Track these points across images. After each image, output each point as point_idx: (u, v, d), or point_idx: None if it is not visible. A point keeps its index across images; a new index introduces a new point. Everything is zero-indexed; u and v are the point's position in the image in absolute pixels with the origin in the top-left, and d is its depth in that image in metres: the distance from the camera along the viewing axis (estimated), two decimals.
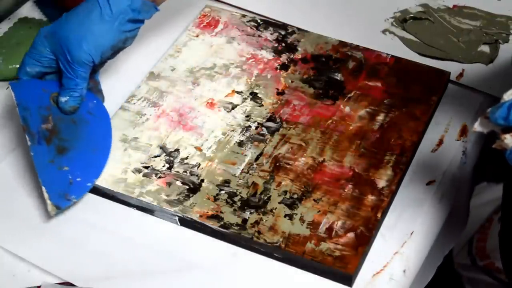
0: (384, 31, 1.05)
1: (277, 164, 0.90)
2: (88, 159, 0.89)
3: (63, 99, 0.89)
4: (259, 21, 1.06)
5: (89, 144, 0.90)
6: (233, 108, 0.96)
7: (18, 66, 1.02)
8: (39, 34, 0.89)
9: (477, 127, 0.71)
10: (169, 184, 0.88)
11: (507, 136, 0.69)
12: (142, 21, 0.91)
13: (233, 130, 0.93)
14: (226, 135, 0.93)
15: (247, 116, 0.95)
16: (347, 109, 0.94)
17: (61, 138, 0.88)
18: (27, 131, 0.87)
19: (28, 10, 1.11)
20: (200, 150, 0.92)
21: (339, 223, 0.84)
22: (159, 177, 0.89)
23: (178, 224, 0.87)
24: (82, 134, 0.89)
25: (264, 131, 0.93)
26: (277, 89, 0.97)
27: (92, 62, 0.88)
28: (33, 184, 0.91)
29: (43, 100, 0.89)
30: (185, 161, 0.90)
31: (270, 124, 0.94)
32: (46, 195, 0.85)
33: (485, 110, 0.95)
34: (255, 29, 1.05)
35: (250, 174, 0.89)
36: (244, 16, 1.07)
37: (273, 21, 1.06)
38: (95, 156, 0.89)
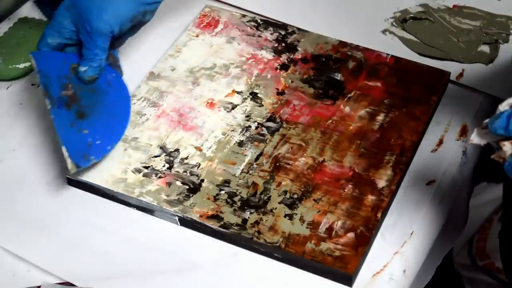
0: (384, 31, 1.05)
1: (277, 164, 0.90)
2: (107, 125, 0.91)
3: (82, 68, 0.91)
4: (259, 21, 1.06)
5: (108, 111, 0.91)
6: (233, 108, 0.96)
7: (18, 66, 1.03)
8: (61, 6, 0.91)
9: (474, 138, 0.71)
10: (169, 184, 0.88)
11: (506, 143, 0.69)
12: None
13: (233, 130, 0.93)
14: (226, 135, 0.93)
15: (247, 116, 0.95)
16: (347, 109, 0.94)
17: (80, 105, 0.90)
18: (48, 95, 0.89)
19: (28, 10, 1.11)
20: (200, 150, 0.92)
21: (339, 223, 0.84)
22: (159, 177, 0.89)
23: (178, 224, 0.87)
24: (101, 102, 0.91)
25: (264, 131, 0.93)
26: (277, 89, 0.97)
27: (111, 32, 0.89)
28: (33, 183, 0.92)
29: (63, 70, 0.91)
30: (185, 161, 0.90)
31: (270, 124, 0.94)
32: (66, 153, 0.87)
33: (485, 110, 0.96)
34: (255, 29, 1.05)
35: (250, 174, 0.89)
36: (244, 16, 1.07)
37: (273, 21, 1.06)
38: (114, 122, 0.92)
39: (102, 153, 0.90)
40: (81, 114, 0.90)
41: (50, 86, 0.90)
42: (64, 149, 0.87)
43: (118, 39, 0.93)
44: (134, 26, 0.93)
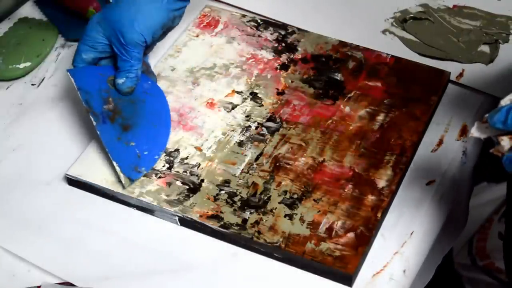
0: (384, 31, 1.05)
1: (277, 164, 0.90)
2: (151, 134, 0.92)
3: (120, 80, 0.92)
4: (259, 21, 1.06)
5: (149, 120, 0.93)
6: (233, 108, 0.96)
7: (18, 66, 1.03)
8: (91, 20, 0.92)
9: (474, 132, 0.72)
10: (169, 184, 0.88)
11: (504, 138, 0.69)
12: (188, 0, 0.94)
13: (233, 130, 0.93)
14: (226, 135, 0.93)
15: (247, 116, 0.95)
16: (347, 109, 0.94)
17: (123, 117, 0.91)
18: (91, 112, 0.90)
19: (28, 10, 1.11)
20: (200, 150, 0.92)
21: (339, 223, 0.84)
22: (159, 177, 0.89)
23: (178, 224, 0.87)
24: (141, 111, 0.93)
25: (264, 131, 0.93)
26: (277, 89, 0.97)
27: (145, 42, 0.91)
28: (33, 183, 0.92)
29: (101, 83, 0.92)
30: (185, 161, 0.90)
31: (270, 124, 0.94)
32: (118, 168, 0.88)
33: (485, 110, 0.96)
34: (255, 29, 1.05)
35: (250, 174, 0.89)
36: (244, 16, 1.07)
37: (273, 21, 1.06)
38: (158, 130, 0.92)
39: (151, 163, 0.90)
40: (125, 126, 0.90)
41: (92, 102, 0.90)
42: (115, 164, 0.88)
43: (149, 46, 0.94)
44: (164, 32, 0.94)
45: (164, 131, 0.93)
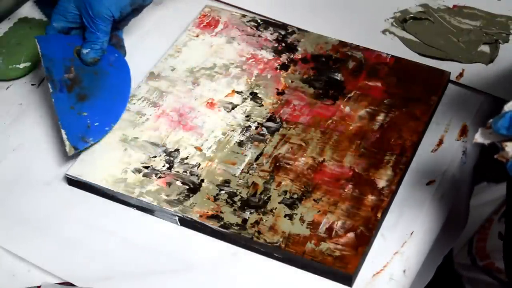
0: (384, 31, 1.05)
1: (277, 164, 0.90)
2: (107, 106, 0.94)
3: (84, 51, 0.95)
4: (259, 21, 1.06)
5: (109, 92, 0.95)
6: (233, 108, 0.96)
7: (18, 66, 1.03)
8: None
9: (478, 138, 0.71)
10: (169, 184, 0.88)
11: (509, 144, 0.69)
12: None
13: (233, 130, 0.93)
14: (226, 135, 0.93)
15: (247, 116, 0.95)
16: (347, 109, 0.94)
17: (82, 87, 0.93)
18: (50, 79, 0.92)
19: (28, 10, 1.11)
20: (200, 150, 0.92)
21: (339, 223, 0.84)
22: (159, 177, 0.89)
23: (178, 224, 0.87)
24: (102, 83, 0.95)
25: (264, 131, 0.93)
26: (277, 89, 0.97)
27: (112, 17, 0.94)
28: (33, 183, 0.92)
29: (67, 52, 0.95)
30: (185, 161, 0.90)
31: (270, 124, 0.94)
32: (64, 136, 0.90)
33: (485, 110, 0.96)
34: (255, 29, 1.05)
35: (250, 174, 0.89)
36: (244, 16, 1.07)
37: (273, 21, 1.06)
38: (114, 103, 0.95)
39: (100, 135, 0.92)
40: (82, 96, 0.92)
41: (53, 69, 0.93)
42: (63, 132, 0.90)
43: (122, 21, 0.97)
44: (136, 9, 0.97)
45: (121, 105, 0.95)
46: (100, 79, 0.95)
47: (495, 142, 0.71)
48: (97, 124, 0.92)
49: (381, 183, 0.87)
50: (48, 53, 0.94)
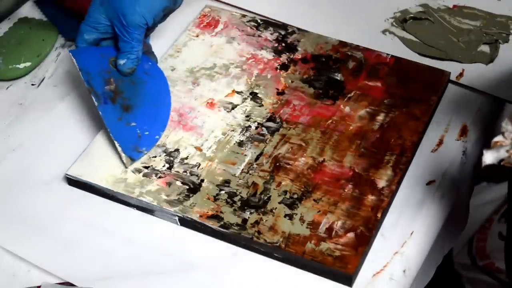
0: (384, 31, 1.05)
1: (277, 164, 0.90)
2: (152, 114, 0.93)
3: (121, 61, 0.93)
4: (259, 21, 1.06)
5: (150, 100, 0.94)
6: (233, 108, 0.96)
7: (18, 66, 1.03)
8: (94, 1, 0.93)
9: (487, 159, 0.71)
10: (169, 184, 0.88)
11: None
12: None
13: (233, 130, 0.93)
14: (226, 135, 0.93)
15: (247, 116, 0.95)
16: (347, 109, 0.94)
17: (124, 98, 0.93)
18: (93, 92, 0.92)
19: (28, 10, 1.11)
20: (200, 150, 0.92)
21: (339, 223, 0.84)
22: (159, 177, 0.89)
23: (178, 224, 0.87)
24: (142, 92, 0.94)
25: (264, 131, 0.93)
26: (277, 89, 0.97)
27: (146, 24, 0.92)
28: (33, 183, 0.92)
29: (102, 64, 0.94)
30: (185, 161, 0.90)
31: (270, 124, 0.94)
32: (119, 148, 0.90)
33: (485, 110, 0.96)
34: (255, 29, 1.05)
35: (250, 174, 0.89)
36: (244, 16, 1.07)
37: (273, 21, 1.06)
38: (158, 111, 0.94)
39: (152, 144, 0.92)
40: (126, 107, 0.92)
41: (93, 82, 0.92)
42: (117, 144, 0.90)
43: (150, 28, 0.96)
44: (165, 14, 0.96)
45: (165, 112, 0.94)
46: (138, 88, 0.94)
47: (504, 157, 0.71)
48: (147, 133, 0.91)
49: (381, 183, 0.87)
50: (84, 66, 0.93)
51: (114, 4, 0.91)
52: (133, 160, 0.90)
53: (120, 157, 0.90)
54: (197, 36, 1.04)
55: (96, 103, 0.91)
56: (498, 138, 0.71)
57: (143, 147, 0.91)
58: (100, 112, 0.91)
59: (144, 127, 0.92)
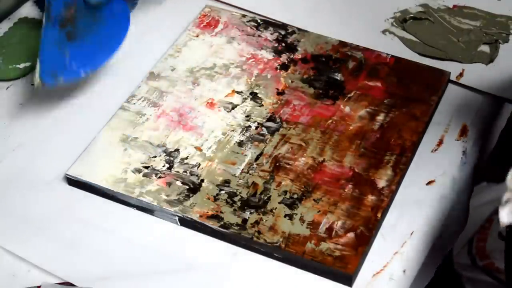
0: (384, 31, 1.05)
1: (277, 164, 0.90)
2: (91, 53, 0.92)
3: None
4: (259, 21, 1.06)
5: (98, 41, 0.93)
6: (233, 108, 0.96)
7: (18, 66, 1.03)
8: None
9: (505, 219, 0.70)
10: (169, 184, 0.88)
11: None
12: None
13: (233, 130, 0.93)
14: (226, 135, 0.93)
15: (247, 116, 0.95)
16: (347, 109, 0.95)
17: (75, 28, 0.91)
18: (47, 12, 0.91)
19: (28, 10, 1.11)
20: (200, 150, 0.92)
21: (339, 223, 0.84)
22: (159, 177, 0.89)
23: (178, 224, 0.87)
24: (96, 30, 0.93)
25: (264, 131, 0.93)
26: (277, 89, 0.97)
27: None
28: (33, 183, 0.92)
29: None
30: (185, 161, 0.90)
31: (270, 124, 0.94)
32: (38, 67, 0.88)
33: (485, 110, 0.96)
34: (255, 29, 1.05)
35: (250, 174, 0.89)
36: (244, 16, 1.07)
37: (273, 21, 1.06)
38: (99, 52, 0.93)
39: (73, 76, 0.90)
40: (70, 36, 0.90)
41: (54, 3, 0.90)
42: (37, 64, 0.88)
43: None
44: None
45: (104, 55, 0.93)
46: (96, 26, 0.92)
47: None
48: (74, 66, 0.89)
49: (381, 183, 0.87)
50: None
51: None
52: (43, 83, 0.88)
53: (34, 77, 0.88)
54: (197, 36, 1.04)
55: (44, 23, 0.89)
56: (509, 195, 0.70)
57: (61, 76, 0.89)
58: (42, 31, 0.89)
59: (76, 59, 0.90)
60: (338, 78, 0.98)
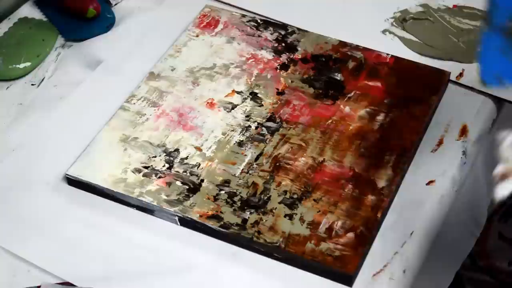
0: (384, 31, 1.05)
1: (277, 164, 0.90)
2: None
3: None
4: (259, 21, 1.06)
5: None
6: (233, 108, 0.96)
7: (18, 66, 1.03)
8: None
9: (500, 193, 0.70)
10: (169, 184, 0.88)
11: None
12: None
13: (233, 130, 0.93)
14: (226, 135, 0.93)
15: (247, 116, 0.95)
16: (347, 109, 0.94)
17: None
18: (487, 17, 0.82)
19: (28, 10, 1.11)
20: (200, 150, 0.92)
21: (339, 223, 0.84)
22: (159, 177, 0.89)
23: (178, 224, 0.87)
24: None
25: (264, 131, 0.93)
26: (277, 89, 0.97)
27: None
28: (33, 183, 0.92)
29: None
30: (185, 161, 0.90)
31: (270, 124, 0.94)
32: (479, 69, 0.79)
33: (485, 110, 0.96)
34: (255, 29, 1.05)
35: (250, 174, 0.89)
36: (244, 16, 1.07)
37: (273, 21, 1.06)
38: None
39: None
40: None
41: (497, 13, 0.85)
42: (478, 65, 0.80)
43: None
44: None
45: None
46: None
47: None
48: None
49: (381, 183, 0.87)
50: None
51: None
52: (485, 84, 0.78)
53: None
54: (197, 36, 1.04)
55: (484, 29, 0.79)
56: (504, 168, 0.69)
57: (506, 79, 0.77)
58: (481, 35, 0.79)
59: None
60: (338, 78, 0.98)
